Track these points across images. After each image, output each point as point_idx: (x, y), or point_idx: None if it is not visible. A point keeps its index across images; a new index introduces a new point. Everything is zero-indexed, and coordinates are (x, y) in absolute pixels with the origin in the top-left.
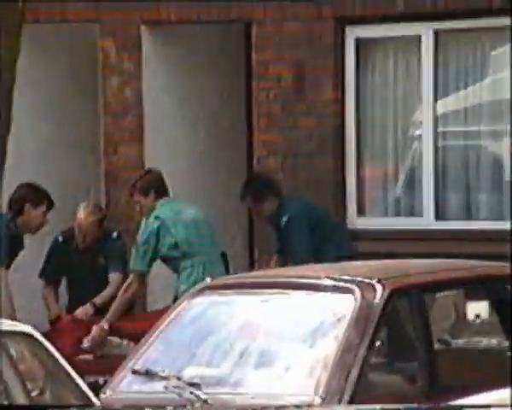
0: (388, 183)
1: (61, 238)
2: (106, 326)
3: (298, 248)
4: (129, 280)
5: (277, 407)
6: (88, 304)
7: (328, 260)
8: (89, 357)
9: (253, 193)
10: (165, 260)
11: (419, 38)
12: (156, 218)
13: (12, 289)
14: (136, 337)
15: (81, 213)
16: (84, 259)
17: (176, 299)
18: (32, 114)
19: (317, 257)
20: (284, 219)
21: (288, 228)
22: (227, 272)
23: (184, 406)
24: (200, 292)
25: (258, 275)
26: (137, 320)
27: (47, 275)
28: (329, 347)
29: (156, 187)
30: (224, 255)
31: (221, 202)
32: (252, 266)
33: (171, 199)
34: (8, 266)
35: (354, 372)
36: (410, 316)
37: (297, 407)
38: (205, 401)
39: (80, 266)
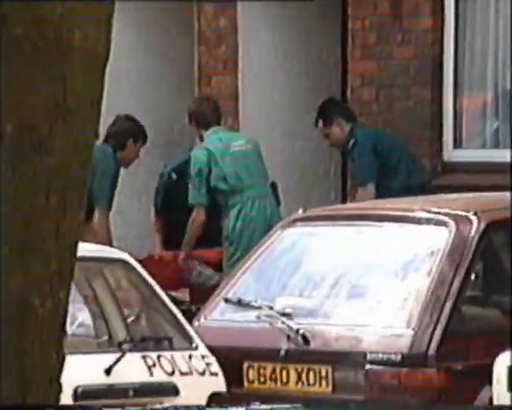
0: (487, 115)
1: (174, 176)
2: (181, 256)
3: (361, 173)
4: (193, 214)
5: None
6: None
7: (394, 189)
8: (184, 290)
9: (323, 116)
10: (214, 192)
11: None
12: (204, 149)
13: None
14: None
15: None
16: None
17: (226, 237)
18: (130, 46)
19: (384, 185)
20: (350, 143)
21: (352, 152)
22: (278, 203)
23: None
24: (292, 223)
25: (351, 207)
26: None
27: (158, 208)
28: (423, 280)
29: (208, 116)
30: (273, 185)
31: (315, 135)
32: (344, 199)
33: (221, 129)
34: (110, 207)
35: (447, 306)
36: (506, 249)
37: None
38: (296, 331)
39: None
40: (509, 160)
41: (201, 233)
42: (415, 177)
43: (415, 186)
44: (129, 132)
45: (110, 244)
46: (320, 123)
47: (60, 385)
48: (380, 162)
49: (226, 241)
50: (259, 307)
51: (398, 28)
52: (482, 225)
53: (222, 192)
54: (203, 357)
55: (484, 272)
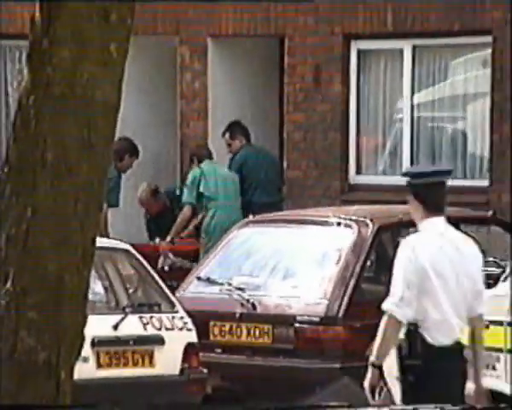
0: (378, 151)
1: (178, 191)
2: (168, 239)
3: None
4: (183, 210)
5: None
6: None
7: (256, 203)
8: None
9: (230, 131)
10: (200, 196)
11: (401, 50)
12: (199, 168)
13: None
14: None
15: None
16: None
17: (204, 230)
18: (129, 100)
19: (249, 199)
20: (231, 156)
21: (230, 162)
22: (243, 216)
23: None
24: (246, 224)
25: (285, 214)
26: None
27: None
28: (334, 266)
29: (203, 155)
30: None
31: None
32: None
33: (213, 162)
34: (110, 204)
35: (351, 284)
36: (390, 244)
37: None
38: (247, 300)
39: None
40: (394, 183)
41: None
42: (273, 195)
43: (271, 203)
44: (126, 149)
45: (106, 233)
46: (227, 135)
47: (83, 337)
48: (247, 179)
49: (203, 233)
50: (222, 284)
51: (319, 91)
52: (375, 228)
53: (205, 197)
54: (181, 318)
55: (376, 260)
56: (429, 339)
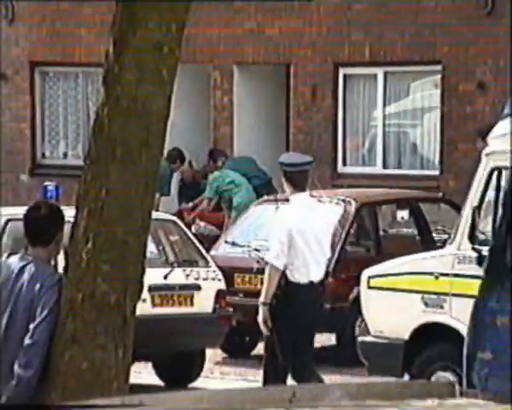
0: (359, 148)
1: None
2: (191, 204)
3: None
4: (204, 200)
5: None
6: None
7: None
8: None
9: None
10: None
11: (376, 75)
12: (219, 171)
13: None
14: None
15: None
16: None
17: (235, 207)
18: (177, 111)
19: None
20: None
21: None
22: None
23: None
24: (261, 203)
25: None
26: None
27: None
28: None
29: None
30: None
31: (268, 157)
32: None
33: (231, 165)
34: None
35: (338, 248)
36: (369, 218)
37: None
38: (262, 258)
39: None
40: (370, 172)
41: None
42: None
43: (261, 184)
44: (177, 156)
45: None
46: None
47: (143, 284)
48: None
49: (233, 210)
50: (243, 246)
51: (315, 105)
52: (357, 205)
53: (234, 183)
54: (214, 271)
55: (357, 229)
56: (291, 278)
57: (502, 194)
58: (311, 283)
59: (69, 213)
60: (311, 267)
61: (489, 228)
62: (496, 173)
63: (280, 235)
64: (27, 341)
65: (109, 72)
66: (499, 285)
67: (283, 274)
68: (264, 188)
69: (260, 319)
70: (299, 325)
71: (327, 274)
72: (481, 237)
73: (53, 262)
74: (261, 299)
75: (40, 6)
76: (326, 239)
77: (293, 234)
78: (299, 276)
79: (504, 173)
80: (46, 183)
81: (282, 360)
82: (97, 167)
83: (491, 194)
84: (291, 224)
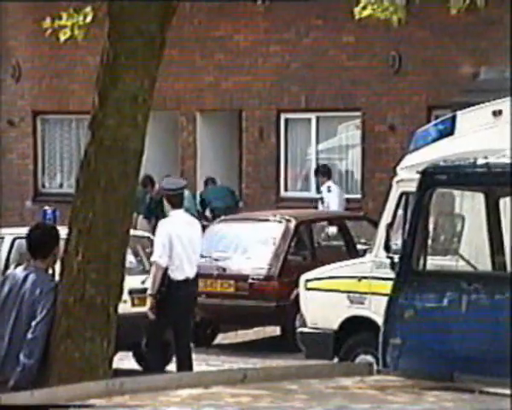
0: (297, 177)
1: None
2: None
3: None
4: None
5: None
6: None
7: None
8: None
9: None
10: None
11: (310, 119)
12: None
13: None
14: None
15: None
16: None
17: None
18: (150, 148)
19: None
20: None
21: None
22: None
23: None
24: (221, 221)
25: (243, 215)
26: None
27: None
28: (272, 245)
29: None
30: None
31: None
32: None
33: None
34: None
35: (281, 257)
36: (305, 234)
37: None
38: (220, 266)
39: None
40: (306, 196)
41: None
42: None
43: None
44: (149, 181)
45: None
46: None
47: (123, 289)
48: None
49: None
50: (205, 256)
51: (262, 142)
52: (296, 223)
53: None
54: None
55: (296, 243)
56: (171, 276)
57: (408, 213)
58: (187, 279)
59: (64, 231)
60: (186, 267)
61: (399, 240)
62: (404, 197)
63: (162, 240)
64: (30, 335)
65: (95, 118)
66: (406, 285)
67: (165, 272)
68: (230, 209)
69: (148, 307)
70: (178, 313)
71: (272, 278)
72: (394, 247)
73: (51, 271)
74: (148, 291)
75: (41, 67)
76: (198, 245)
77: (173, 240)
78: (177, 274)
79: (410, 197)
80: (45, 208)
81: (161, 338)
82: (85, 195)
83: (400, 213)
84: (171, 232)
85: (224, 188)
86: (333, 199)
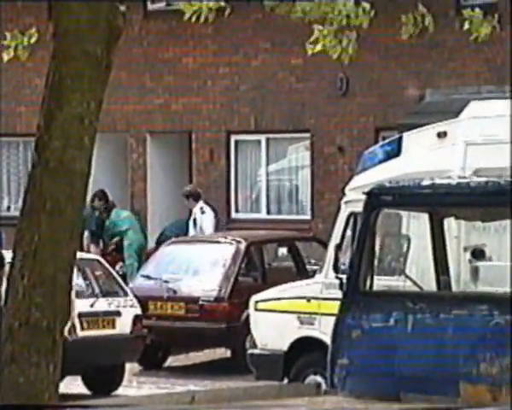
0: (247, 199)
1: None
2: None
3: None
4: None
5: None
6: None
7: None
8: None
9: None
10: None
11: (260, 140)
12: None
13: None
14: None
15: None
16: None
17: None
18: (97, 169)
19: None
20: None
21: None
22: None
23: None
24: (170, 243)
25: (194, 236)
26: None
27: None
28: (222, 267)
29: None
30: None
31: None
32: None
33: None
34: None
35: (232, 278)
36: (256, 254)
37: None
38: (171, 288)
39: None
40: (255, 217)
41: None
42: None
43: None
44: (98, 196)
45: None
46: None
47: (69, 312)
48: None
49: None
50: (155, 278)
51: (213, 164)
52: (247, 244)
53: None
54: (131, 300)
55: (246, 264)
56: None
57: (356, 234)
58: None
59: (9, 255)
60: None
61: (348, 261)
62: (352, 218)
63: None
64: None
65: (40, 140)
66: (354, 305)
67: None
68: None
69: None
70: None
71: (222, 299)
72: (343, 267)
73: None
74: None
75: None
76: None
77: None
78: None
79: (358, 218)
80: None
81: None
82: (31, 217)
83: (349, 234)
84: None
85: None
86: (206, 220)
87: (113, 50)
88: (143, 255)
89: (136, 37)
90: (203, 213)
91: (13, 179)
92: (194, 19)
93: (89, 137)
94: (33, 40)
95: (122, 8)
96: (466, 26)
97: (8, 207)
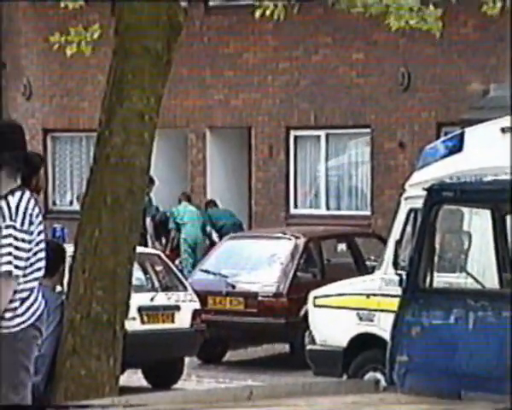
0: (307, 194)
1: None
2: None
3: None
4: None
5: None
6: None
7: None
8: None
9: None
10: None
11: (319, 136)
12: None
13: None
14: None
15: None
16: None
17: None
18: (158, 166)
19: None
20: None
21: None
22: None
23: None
24: (230, 238)
25: (253, 232)
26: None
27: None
28: (281, 263)
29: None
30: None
31: (234, 202)
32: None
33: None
34: None
35: (291, 274)
36: (315, 250)
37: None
38: (230, 283)
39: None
40: (316, 213)
41: None
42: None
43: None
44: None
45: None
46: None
47: (129, 306)
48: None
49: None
50: (215, 273)
51: (272, 160)
52: (306, 240)
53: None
54: (190, 294)
55: (305, 260)
56: None
57: (416, 230)
58: None
59: (71, 249)
60: None
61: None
62: (412, 214)
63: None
64: (36, 353)
65: (101, 135)
66: (413, 302)
67: None
68: (233, 228)
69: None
70: None
71: (281, 295)
72: (402, 264)
73: (60, 288)
74: None
75: (51, 85)
76: None
77: None
78: None
79: (418, 214)
80: (54, 225)
81: None
82: (91, 212)
83: (409, 230)
84: None
85: (227, 211)
86: None
87: (173, 46)
88: (199, 251)
89: (197, 32)
90: None
91: (75, 174)
92: (268, 14)
93: (149, 133)
94: (96, 36)
95: (183, 4)
96: None
97: (71, 202)
